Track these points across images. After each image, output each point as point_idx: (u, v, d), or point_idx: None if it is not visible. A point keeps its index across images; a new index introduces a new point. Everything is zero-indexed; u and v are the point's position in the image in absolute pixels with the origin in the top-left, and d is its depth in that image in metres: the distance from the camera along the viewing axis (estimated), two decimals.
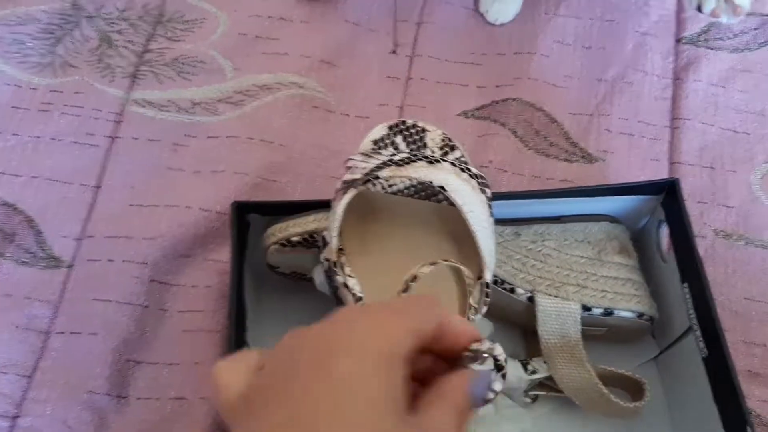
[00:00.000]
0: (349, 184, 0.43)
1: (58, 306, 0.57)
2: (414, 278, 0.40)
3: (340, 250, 0.43)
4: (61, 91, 0.66)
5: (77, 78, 0.67)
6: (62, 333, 0.56)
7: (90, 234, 0.60)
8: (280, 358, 0.29)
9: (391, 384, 0.27)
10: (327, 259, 0.44)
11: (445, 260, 0.36)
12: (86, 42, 0.69)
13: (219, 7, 0.71)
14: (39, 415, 0.53)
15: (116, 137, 0.64)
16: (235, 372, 0.29)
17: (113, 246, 0.59)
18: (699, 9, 0.57)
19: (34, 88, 0.66)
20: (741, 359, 0.56)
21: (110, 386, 0.54)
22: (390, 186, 0.46)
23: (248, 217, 0.53)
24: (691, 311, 0.49)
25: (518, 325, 0.55)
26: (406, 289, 0.38)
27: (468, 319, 0.40)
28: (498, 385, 0.29)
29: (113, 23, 0.70)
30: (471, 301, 0.38)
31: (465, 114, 0.67)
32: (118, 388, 0.54)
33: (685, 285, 0.50)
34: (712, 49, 0.70)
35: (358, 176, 0.43)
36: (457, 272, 0.44)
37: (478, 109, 0.67)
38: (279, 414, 0.26)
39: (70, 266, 0.59)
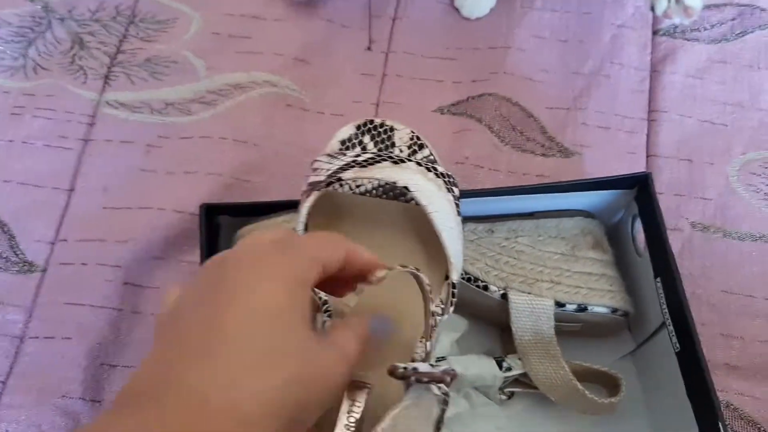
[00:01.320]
0: (313, 186, 0.42)
1: (31, 311, 0.57)
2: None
3: None
4: (33, 94, 0.66)
5: (49, 81, 0.66)
6: (36, 338, 0.56)
7: (63, 238, 0.59)
8: (199, 279, 0.32)
9: (297, 303, 0.31)
10: None
11: (402, 266, 0.35)
12: (58, 44, 0.68)
13: (192, 6, 0.70)
14: (13, 421, 0.53)
15: (89, 139, 0.64)
16: (172, 294, 0.33)
17: (86, 249, 0.59)
18: (652, 9, 0.57)
19: (6, 92, 0.66)
20: (719, 352, 0.56)
21: (85, 390, 0.54)
22: (357, 186, 0.46)
23: (219, 219, 0.52)
24: (664, 307, 0.48)
25: (493, 322, 0.55)
26: (358, 292, 0.38)
27: (435, 322, 0.40)
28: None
29: (85, 24, 0.69)
30: (433, 306, 0.38)
31: (441, 110, 0.66)
32: (92, 393, 0.54)
33: (658, 280, 0.49)
34: (689, 40, 0.69)
35: (322, 178, 0.42)
36: (430, 272, 0.43)
37: (454, 104, 0.66)
38: (195, 326, 0.29)
39: (44, 270, 0.58)
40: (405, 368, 0.31)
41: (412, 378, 0.30)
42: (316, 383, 0.30)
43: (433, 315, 0.41)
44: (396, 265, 0.35)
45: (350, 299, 0.40)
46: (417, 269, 0.36)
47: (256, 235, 0.36)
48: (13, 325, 0.56)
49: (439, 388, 0.30)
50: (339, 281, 0.36)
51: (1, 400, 0.54)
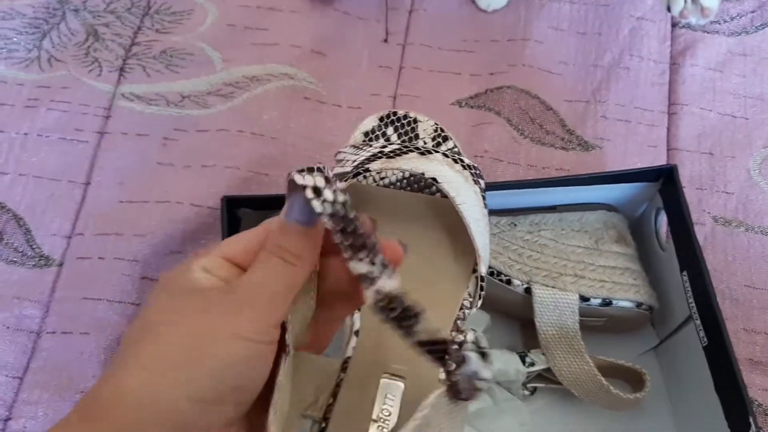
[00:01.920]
0: (339, 178, 0.42)
1: (48, 305, 0.56)
2: None
3: None
4: (48, 87, 0.65)
5: (64, 73, 0.66)
6: (53, 333, 0.55)
7: (79, 232, 0.59)
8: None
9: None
10: None
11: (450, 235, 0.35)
12: (73, 36, 0.68)
13: None
14: (31, 417, 0.52)
15: (105, 132, 0.63)
16: None
17: (103, 243, 0.58)
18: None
19: (20, 84, 0.65)
20: (742, 348, 0.55)
21: None
22: (382, 179, 0.45)
23: (239, 212, 0.52)
24: (691, 300, 0.48)
25: (515, 317, 0.55)
26: None
27: (464, 315, 0.39)
28: (486, 372, 0.28)
29: (100, 16, 0.69)
30: (461, 300, 0.38)
31: (459, 103, 0.66)
32: None
33: (684, 273, 0.49)
34: (708, 32, 0.68)
35: (348, 169, 0.42)
36: (456, 265, 0.43)
37: (472, 97, 0.66)
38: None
39: (60, 265, 0.58)
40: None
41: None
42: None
43: (461, 308, 0.41)
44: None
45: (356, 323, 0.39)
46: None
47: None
48: (30, 320, 0.56)
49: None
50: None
51: (18, 395, 0.53)
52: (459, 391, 0.28)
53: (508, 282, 0.50)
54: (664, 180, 0.51)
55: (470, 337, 0.28)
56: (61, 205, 0.60)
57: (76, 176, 0.61)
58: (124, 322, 0.55)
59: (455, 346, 0.28)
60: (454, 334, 0.37)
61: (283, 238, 0.30)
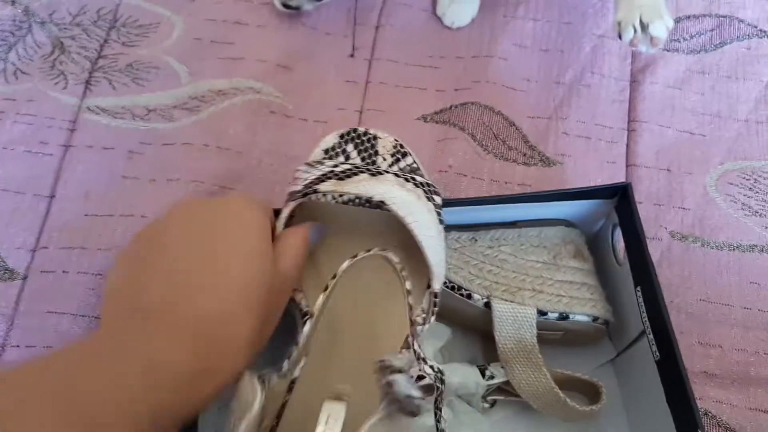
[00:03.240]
0: (291, 196, 0.42)
1: (12, 319, 0.56)
2: (334, 276, 0.40)
3: None
4: (14, 99, 0.65)
5: (30, 85, 0.66)
6: (17, 346, 0.55)
7: (44, 245, 0.59)
8: (168, 224, 0.37)
9: (266, 241, 0.37)
10: None
11: (368, 251, 0.36)
12: (39, 48, 0.67)
13: (173, 11, 0.70)
14: None
15: (70, 145, 0.63)
16: None
17: (68, 257, 0.58)
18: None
19: None
20: (697, 361, 0.56)
21: None
22: (340, 196, 0.46)
23: None
24: (644, 315, 0.49)
25: (476, 330, 0.55)
26: (326, 288, 0.39)
27: (417, 331, 0.40)
28: (415, 392, 0.30)
29: (66, 29, 0.69)
30: (414, 315, 0.38)
31: (424, 118, 0.67)
32: None
33: (638, 289, 0.50)
34: (668, 50, 0.70)
35: (299, 187, 0.42)
36: (413, 280, 0.43)
37: (437, 112, 0.67)
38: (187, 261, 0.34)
39: (25, 278, 0.58)
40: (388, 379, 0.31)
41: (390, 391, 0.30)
42: (270, 317, 0.37)
43: (413, 324, 0.41)
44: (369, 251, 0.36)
45: (318, 300, 0.40)
46: (385, 249, 0.37)
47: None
48: None
49: (421, 399, 0.30)
50: None
51: None
52: (404, 408, 0.28)
53: (469, 296, 0.51)
54: (620, 197, 0.52)
55: (397, 363, 0.29)
56: (25, 218, 0.60)
57: (41, 189, 0.61)
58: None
59: (384, 372, 0.29)
60: (387, 358, 0.38)
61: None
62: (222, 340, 0.31)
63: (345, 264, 0.37)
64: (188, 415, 0.30)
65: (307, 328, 0.39)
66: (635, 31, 0.57)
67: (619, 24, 0.58)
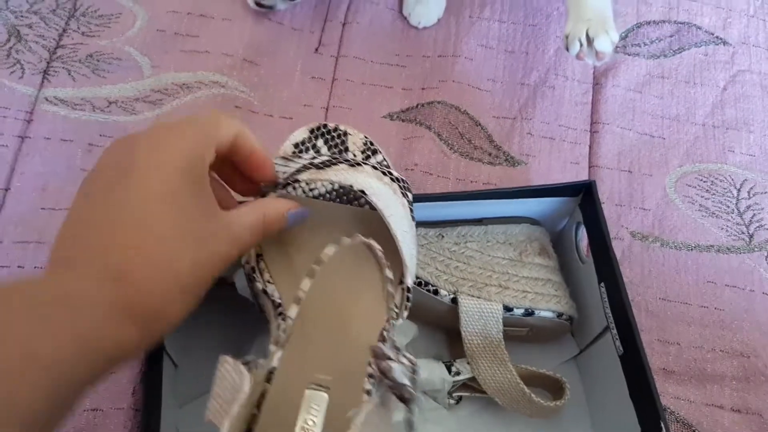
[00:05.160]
0: (268, 189, 0.42)
1: None
2: (318, 261, 0.40)
3: (258, 255, 0.42)
4: None
5: None
6: None
7: None
8: (108, 157, 0.34)
9: (190, 185, 0.32)
10: (247, 263, 0.43)
11: (353, 237, 0.36)
12: None
13: (135, 1, 0.69)
14: None
15: (26, 137, 0.61)
16: None
17: (23, 252, 0.56)
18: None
19: None
20: (656, 358, 0.58)
21: None
22: (311, 190, 0.45)
23: None
24: (608, 311, 0.50)
25: (442, 326, 0.56)
26: (311, 274, 0.38)
27: (390, 326, 0.40)
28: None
29: (23, 17, 0.67)
30: (391, 304, 0.38)
31: (390, 116, 0.67)
32: None
33: (602, 285, 0.51)
34: (630, 54, 0.72)
35: (279, 181, 0.42)
36: (379, 281, 0.43)
37: (403, 111, 0.67)
38: (103, 207, 0.32)
39: None
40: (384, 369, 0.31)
41: (384, 380, 0.30)
42: (209, 264, 0.33)
43: (388, 320, 0.41)
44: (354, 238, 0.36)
45: (304, 284, 0.39)
46: (367, 240, 0.37)
47: (161, 120, 0.38)
48: None
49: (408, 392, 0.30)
50: (236, 175, 0.40)
51: None
52: (400, 396, 0.28)
53: (435, 292, 0.51)
54: (584, 195, 0.53)
55: (388, 351, 0.29)
56: None
57: None
58: None
59: (380, 359, 0.29)
60: (379, 345, 0.38)
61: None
62: (142, 283, 0.30)
63: (331, 249, 0.37)
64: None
65: (293, 312, 0.38)
66: (581, 45, 0.58)
67: (567, 37, 0.59)
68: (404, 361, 0.33)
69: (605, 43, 0.58)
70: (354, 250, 0.45)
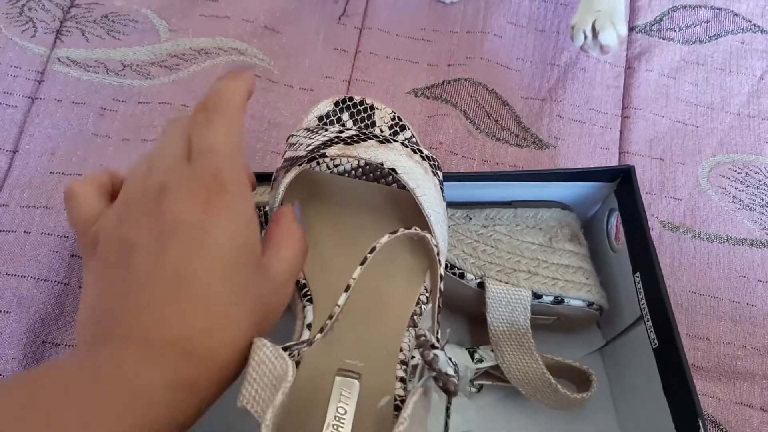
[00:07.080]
0: (292, 162, 0.39)
1: None
2: (373, 250, 0.37)
3: None
4: None
5: None
6: None
7: (4, 203, 0.55)
8: (134, 197, 0.32)
9: (249, 241, 0.31)
10: None
11: (407, 228, 0.34)
12: None
13: None
14: None
15: (37, 98, 0.59)
16: (85, 195, 0.34)
17: (30, 216, 0.54)
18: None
19: None
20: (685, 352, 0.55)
21: (24, 370, 0.49)
22: (336, 166, 0.43)
23: None
24: (643, 302, 0.48)
25: (464, 312, 0.54)
26: (363, 262, 0.35)
27: (420, 311, 0.38)
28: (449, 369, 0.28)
29: None
30: (418, 294, 0.36)
31: (415, 92, 0.64)
32: None
33: (637, 275, 0.48)
34: (664, 39, 0.69)
35: (302, 153, 0.39)
36: (413, 259, 0.41)
37: (428, 87, 0.64)
38: (149, 271, 0.28)
39: None
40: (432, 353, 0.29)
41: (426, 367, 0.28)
42: (267, 319, 0.32)
43: (418, 303, 0.39)
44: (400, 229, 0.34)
45: (356, 273, 0.36)
46: (419, 229, 0.34)
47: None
48: None
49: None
50: None
51: None
52: (445, 386, 0.26)
53: (462, 275, 0.49)
54: (622, 180, 0.51)
55: (433, 339, 0.27)
56: None
57: (2, 143, 0.57)
58: (51, 302, 0.51)
59: (426, 347, 0.27)
60: (411, 330, 0.36)
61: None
62: (205, 355, 0.28)
63: (384, 239, 0.34)
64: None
65: (341, 300, 0.35)
66: (585, 37, 0.56)
67: (572, 28, 0.57)
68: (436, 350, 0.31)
69: (610, 37, 0.55)
70: (382, 232, 0.43)
